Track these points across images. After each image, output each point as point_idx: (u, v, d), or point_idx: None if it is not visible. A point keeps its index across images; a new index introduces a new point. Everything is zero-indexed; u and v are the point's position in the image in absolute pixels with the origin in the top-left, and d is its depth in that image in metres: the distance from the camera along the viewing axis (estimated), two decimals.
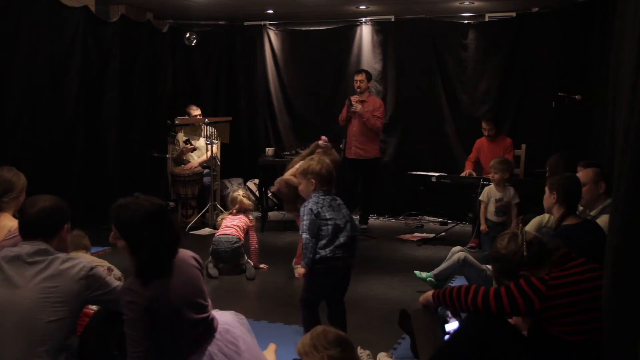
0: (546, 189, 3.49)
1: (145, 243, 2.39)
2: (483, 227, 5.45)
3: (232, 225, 5.10)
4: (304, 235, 3.31)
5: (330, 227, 3.30)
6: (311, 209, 3.35)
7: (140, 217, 2.41)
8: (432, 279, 4.44)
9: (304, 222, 3.34)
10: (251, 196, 5.35)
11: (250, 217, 5.32)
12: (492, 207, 5.38)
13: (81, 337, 2.55)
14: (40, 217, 2.52)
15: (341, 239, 3.30)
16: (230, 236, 5.02)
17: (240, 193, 5.36)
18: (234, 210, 5.28)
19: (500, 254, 2.55)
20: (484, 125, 6.44)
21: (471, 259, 4.27)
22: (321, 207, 3.35)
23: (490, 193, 5.40)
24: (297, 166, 4.40)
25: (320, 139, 5.10)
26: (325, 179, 3.48)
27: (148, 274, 2.38)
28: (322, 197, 3.41)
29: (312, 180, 3.48)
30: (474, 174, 6.39)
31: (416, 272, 4.57)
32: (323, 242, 3.29)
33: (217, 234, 5.15)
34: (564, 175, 3.57)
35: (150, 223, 2.40)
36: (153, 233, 2.41)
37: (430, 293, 2.76)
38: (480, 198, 5.48)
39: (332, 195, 3.48)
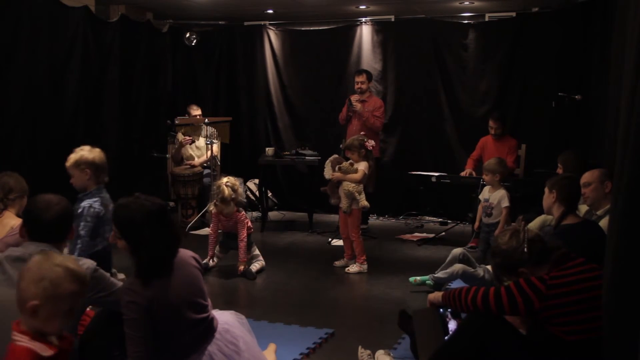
0: (545, 189, 3.50)
1: (145, 243, 2.39)
2: (475, 225, 5.48)
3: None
4: (85, 237, 3.40)
5: (107, 226, 3.46)
6: (98, 213, 3.46)
7: (140, 216, 2.41)
8: (431, 282, 4.44)
9: (88, 224, 3.42)
10: (235, 185, 5.03)
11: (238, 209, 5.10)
12: (481, 208, 5.40)
13: (82, 338, 2.54)
14: (58, 223, 2.52)
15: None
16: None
17: (224, 182, 5.00)
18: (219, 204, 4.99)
19: (501, 249, 2.56)
20: (491, 123, 6.44)
21: (469, 271, 4.29)
22: (106, 208, 3.49)
23: (483, 193, 5.42)
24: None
25: (369, 141, 5.22)
26: (101, 168, 3.58)
27: (148, 274, 2.38)
28: (105, 194, 3.56)
29: (87, 170, 3.55)
30: (474, 174, 6.39)
31: (411, 279, 4.58)
32: (100, 238, 3.48)
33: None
34: (563, 174, 3.59)
35: (150, 223, 2.41)
36: (153, 233, 2.41)
37: (440, 293, 2.76)
38: (479, 197, 5.50)
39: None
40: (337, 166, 5.20)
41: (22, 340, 1.92)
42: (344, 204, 5.16)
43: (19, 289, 1.96)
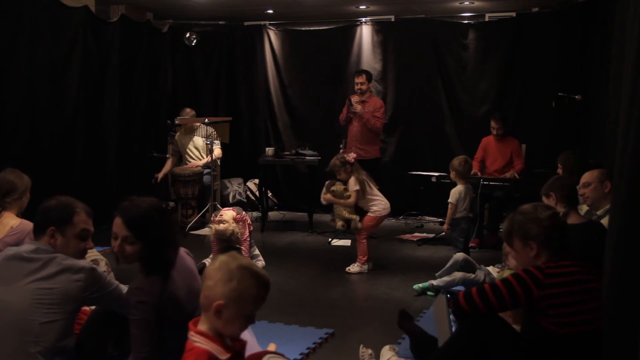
0: (543, 198, 3.52)
1: (163, 238, 2.41)
2: (444, 226, 5.40)
3: None
4: None
5: None
6: None
7: (156, 213, 2.45)
8: (432, 293, 4.43)
9: None
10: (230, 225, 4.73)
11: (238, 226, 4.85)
12: None
13: (78, 336, 2.53)
14: (37, 213, 2.56)
15: None
16: None
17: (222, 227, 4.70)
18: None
19: (534, 216, 2.55)
20: (492, 124, 6.43)
21: (469, 278, 4.30)
22: None
23: None
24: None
25: (348, 155, 5.14)
26: None
27: (165, 269, 2.39)
28: None
29: None
30: (479, 174, 6.34)
31: (415, 286, 4.55)
32: None
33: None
34: (552, 178, 3.61)
35: (163, 218, 2.45)
36: (167, 227, 2.46)
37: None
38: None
39: None
40: (331, 188, 5.15)
41: (200, 342, 1.91)
42: (337, 224, 5.13)
43: (205, 288, 1.95)
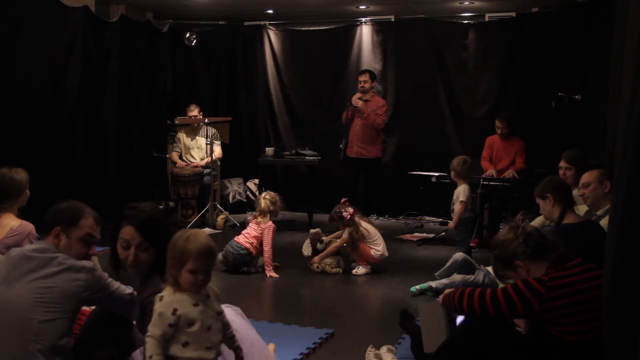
0: (538, 200, 3.52)
1: (171, 237, 2.42)
2: (450, 224, 5.37)
3: (246, 233, 5.08)
4: None
5: None
6: None
7: (159, 214, 2.49)
8: (431, 294, 4.42)
9: None
10: (274, 198, 5.14)
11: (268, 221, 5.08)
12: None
13: (78, 336, 2.54)
14: (47, 213, 2.56)
15: None
16: (238, 244, 5.01)
17: (263, 195, 5.20)
18: (257, 214, 5.13)
19: (499, 240, 2.61)
20: (497, 123, 6.42)
21: (468, 280, 4.28)
22: None
23: None
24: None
25: (347, 210, 5.12)
26: None
27: None
28: None
29: None
30: (495, 174, 6.31)
31: (412, 289, 4.52)
32: None
33: (234, 238, 5.13)
34: (545, 179, 3.61)
35: (165, 217, 2.48)
36: (170, 225, 2.51)
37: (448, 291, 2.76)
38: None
39: None
40: (318, 244, 5.20)
41: None
42: (329, 267, 5.14)
43: None
